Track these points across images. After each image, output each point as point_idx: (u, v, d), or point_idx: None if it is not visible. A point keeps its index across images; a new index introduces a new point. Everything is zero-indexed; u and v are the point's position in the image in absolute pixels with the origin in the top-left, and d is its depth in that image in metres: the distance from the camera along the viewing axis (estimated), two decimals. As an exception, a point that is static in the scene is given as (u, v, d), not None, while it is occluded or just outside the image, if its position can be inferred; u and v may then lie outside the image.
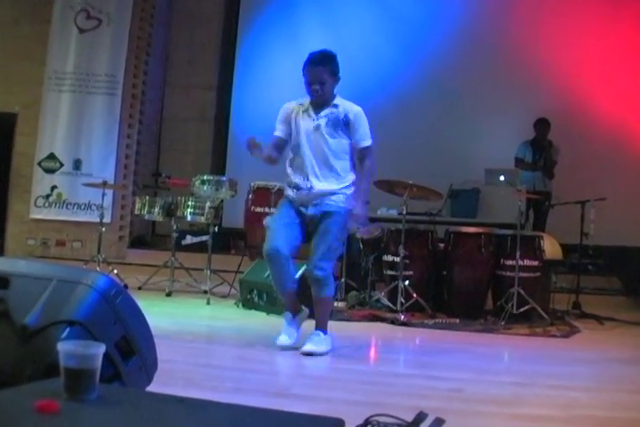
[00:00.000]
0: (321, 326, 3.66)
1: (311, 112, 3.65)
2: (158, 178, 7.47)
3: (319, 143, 3.60)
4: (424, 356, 3.87)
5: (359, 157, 3.69)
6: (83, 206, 7.74)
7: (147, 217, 6.14)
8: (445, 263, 5.30)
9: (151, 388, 2.02)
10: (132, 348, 1.94)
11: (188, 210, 5.88)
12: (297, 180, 3.63)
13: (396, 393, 2.83)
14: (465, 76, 7.70)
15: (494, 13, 7.82)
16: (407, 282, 5.00)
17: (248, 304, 5.22)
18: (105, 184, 6.14)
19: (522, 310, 4.82)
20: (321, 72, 3.55)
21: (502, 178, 5.61)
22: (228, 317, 4.93)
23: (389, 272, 5.31)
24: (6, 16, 7.92)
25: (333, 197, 3.60)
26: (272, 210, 5.07)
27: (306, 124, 3.64)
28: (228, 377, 3.06)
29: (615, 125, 7.34)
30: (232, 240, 7.70)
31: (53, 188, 7.80)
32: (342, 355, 3.63)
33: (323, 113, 3.62)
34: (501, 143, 7.41)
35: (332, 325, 3.84)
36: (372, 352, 4.11)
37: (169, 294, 5.68)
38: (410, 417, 2.06)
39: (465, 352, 3.93)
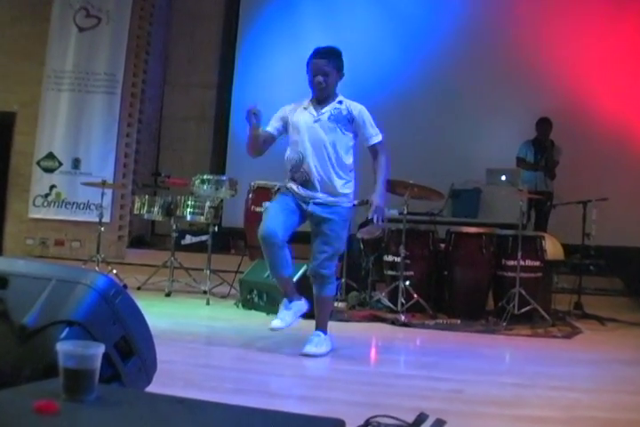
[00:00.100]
0: (321, 327, 3.64)
1: (311, 109, 3.60)
2: (158, 177, 7.47)
3: (320, 138, 3.55)
4: (425, 357, 3.86)
5: (373, 154, 3.64)
6: (82, 206, 7.73)
7: (146, 217, 6.12)
8: (446, 264, 5.28)
9: (150, 388, 2.02)
10: (131, 348, 1.94)
11: (188, 209, 5.86)
12: (298, 176, 3.58)
13: (397, 394, 2.82)
14: (466, 75, 7.69)
15: (496, 12, 7.82)
16: (408, 282, 4.98)
17: (248, 304, 5.20)
18: (104, 183, 6.13)
19: (523, 310, 4.79)
20: (325, 64, 3.51)
21: (504, 178, 5.60)
22: (227, 317, 4.92)
23: (390, 272, 5.29)
24: (5, 15, 7.90)
25: (336, 196, 3.57)
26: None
27: (305, 118, 3.58)
28: (228, 378, 3.05)
29: (617, 125, 7.33)
30: (232, 240, 7.70)
31: (52, 187, 7.79)
32: (342, 356, 3.62)
33: (325, 109, 3.57)
34: (503, 143, 7.39)
35: (332, 325, 3.82)
36: (373, 353, 4.10)
37: (168, 295, 5.66)
38: (410, 418, 2.05)
39: (466, 353, 3.92)
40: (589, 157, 7.29)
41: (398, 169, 6.15)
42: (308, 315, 3.81)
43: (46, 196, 7.79)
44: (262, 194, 5.67)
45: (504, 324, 4.72)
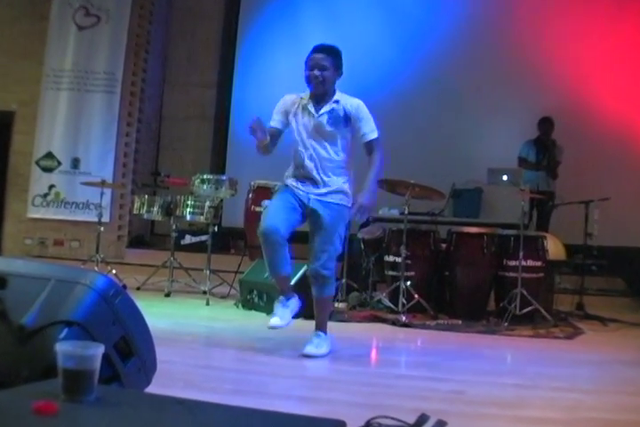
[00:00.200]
0: (321, 327, 3.62)
1: (311, 108, 3.55)
2: (157, 177, 7.46)
3: (320, 140, 3.52)
4: (426, 357, 3.84)
5: (368, 150, 3.58)
6: (81, 205, 7.71)
7: (145, 216, 6.11)
8: (447, 264, 5.26)
9: (150, 389, 2.02)
10: (130, 349, 1.94)
11: (188, 209, 5.85)
12: (298, 174, 3.57)
13: (398, 395, 2.81)
14: (467, 74, 7.68)
15: (497, 11, 7.81)
16: (409, 283, 4.97)
17: (248, 305, 5.19)
18: (103, 183, 6.12)
19: (525, 311, 4.78)
20: (323, 59, 3.47)
21: (505, 178, 5.59)
22: (227, 317, 4.91)
23: (391, 273, 5.27)
24: (4, 13, 7.89)
25: (335, 196, 3.54)
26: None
27: (305, 120, 3.55)
28: (228, 379, 3.04)
29: (619, 125, 7.31)
30: (232, 240, 7.69)
31: (51, 187, 7.77)
32: (343, 356, 3.61)
33: (323, 109, 3.53)
34: (504, 142, 7.37)
35: (332, 326, 3.82)
36: (373, 354, 4.09)
37: (168, 295, 5.65)
38: (411, 419, 2.05)
39: (467, 354, 3.91)
40: (591, 156, 7.27)
41: (399, 169, 6.15)
42: (307, 315, 3.80)
43: (45, 195, 7.78)
44: (262, 194, 5.66)
45: (505, 324, 4.70)
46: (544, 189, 6.76)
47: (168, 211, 5.91)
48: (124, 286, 5.29)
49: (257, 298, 5.08)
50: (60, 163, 7.78)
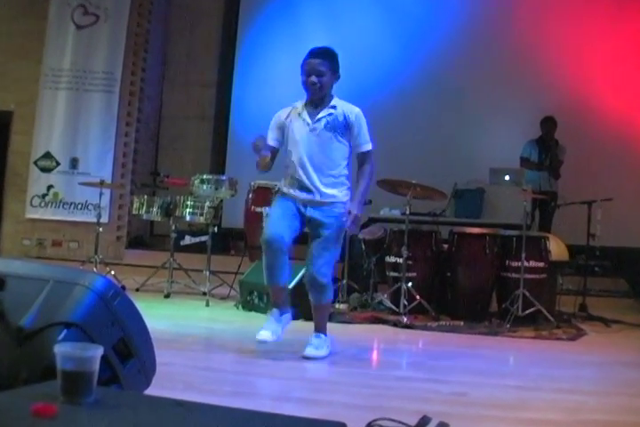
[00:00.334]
0: (321, 329, 3.60)
1: (306, 115, 3.49)
2: (157, 177, 7.44)
3: (316, 148, 3.46)
4: (427, 359, 3.82)
5: (360, 161, 3.57)
6: (79, 206, 7.69)
7: (145, 217, 6.08)
8: (449, 265, 5.24)
9: (150, 391, 2.02)
10: (130, 350, 1.94)
11: (187, 210, 5.83)
12: (294, 184, 3.51)
13: (399, 397, 2.80)
14: (469, 73, 7.66)
15: (498, 10, 7.79)
16: (410, 284, 4.95)
17: (248, 306, 5.16)
18: (102, 183, 6.11)
19: (527, 312, 4.76)
20: (320, 64, 3.42)
21: (507, 178, 5.57)
22: (227, 319, 4.89)
23: (392, 274, 5.26)
24: (2, 13, 7.87)
25: (333, 204, 3.50)
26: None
27: (301, 127, 3.49)
28: (228, 380, 3.03)
29: (622, 124, 7.30)
30: (232, 241, 7.69)
31: (50, 187, 7.75)
32: (344, 358, 3.59)
33: (320, 115, 3.48)
34: (506, 142, 7.36)
35: (333, 327, 3.81)
36: (375, 355, 4.08)
37: (167, 296, 5.63)
38: (413, 421, 2.02)
39: (469, 355, 3.90)
40: (594, 156, 7.26)
41: (400, 168, 6.14)
42: (307, 317, 3.81)
43: (44, 196, 7.75)
44: (263, 194, 5.64)
45: (508, 326, 4.68)
46: (546, 189, 6.76)
47: (167, 211, 5.89)
48: (123, 287, 5.25)
49: (257, 299, 5.06)
50: (58, 163, 7.75)
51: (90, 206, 7.52)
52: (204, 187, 5.55)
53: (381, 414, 2.10)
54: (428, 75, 7.75)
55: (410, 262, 4.97)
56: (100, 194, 6.09)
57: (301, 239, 3.74)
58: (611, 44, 7.40)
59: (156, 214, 5.94)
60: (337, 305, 5.07)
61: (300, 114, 3.51)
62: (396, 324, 4.70)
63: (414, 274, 5.07)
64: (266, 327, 3.46)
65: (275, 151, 3.57)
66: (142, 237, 8.30)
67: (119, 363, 1.89)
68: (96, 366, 1.46)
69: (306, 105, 3.52)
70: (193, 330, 4.36)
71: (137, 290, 5.75)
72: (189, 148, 8.46)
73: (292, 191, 3.52)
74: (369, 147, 3.54)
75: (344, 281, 5.32)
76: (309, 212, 3.48)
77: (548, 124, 6.90)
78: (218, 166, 8.38)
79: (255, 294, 5.08)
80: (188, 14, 8.50)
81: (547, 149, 6.92)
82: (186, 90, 8.47)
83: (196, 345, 3.84)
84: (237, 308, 5.25)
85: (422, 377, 3.24)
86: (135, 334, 1.96)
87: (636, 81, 7.39)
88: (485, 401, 2.78)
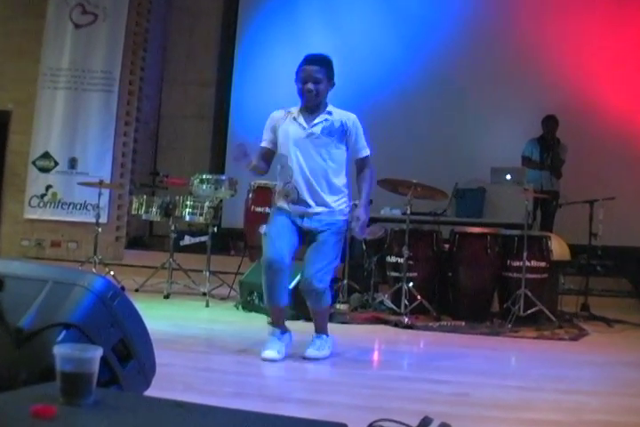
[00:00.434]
0: (322, 331, 3.59)
1: (302, 120, 3.47)
2: (156, 177, 7.43)
3: (312, 154, 3.43)
4: (429, 359, 3.81)
5: (359, 167, 3.57)
6: (78, 206, 7.67)
7: (144, 217, 6.06)
8: (450, 264, 5.23)
9: (149, 392, 2.02)
10: (129, 351, 1.95)
11: (187, 210, 5.82)
12: (289, 193, 3.47)
13: (400, 397, 2.79)
14: (470, 72, 7.65)
15: (500, 9, 7.78)
16: (411, 284, 4.94)
17: (248, 307, 5.14)
18: (101, 183, 6.10)
19: (529, 312, 4.75)
20: (317, 71, 3.40)
21: (509, 177, 5.56)
22: (227, 319, 4.88)
23: (393, 274, 5.24)
24: (0, 12, 7.82)
25: (329, 212, 3.47)
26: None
27: (295, 132, 3.46)
28: (228, 381, 3.01)
29: (624, 123, 7.29)
30: (231, 241, 7.67)
31: (48, 187, 7.73)
32: (345, 358, 3.58)
33: (316, 120, 3.45)
34: (508, 141, 7.36)
35: (333, 327, 3.80)
36: (376, 356, 4.07)
37: (167, 297, 5.61)
38: (414, 422, 2.02)
39: (470, 356, 3.89)
40: (596, 155, 7.25)
41: (401, 168, 6.13)
42: (309, 318, 3.78)
43: (42, 196, 7.73)
44: (262, 194, 5.62)
45: (509, 326, 4.67)
46: (548, 188, 6.76)
47: (167, 211, 5.87)
48: (123, 288, 5.24)
49: (257, 300, 5.03)
50: (57, 163, 7.74)
51: (89, 206, 7.51)
52: (204, 187, 5.52)
53: (382, 414, 2.09)
54: (429, 74, 7.74)
55: (411, 262, 4.96)
56: (99, 194, 6.08)
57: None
58: (612, 43, 7.39)
59: (155, 214, 5.92)
60: (337, 305, 5.06)
61: (295, 118, 3.48)
62: (397, 324, 4.69)
63: (415, 274, 5.06)
64: (270, 347, 3.43)
65: (269, 152, 3.54)
66: (142, 238, 8.29)
67: (119, 364, 1.89)
68: (95, 368, 1.46)
69: (301, 111, 3.50)
70: (193, 331, 4.34)
71: (136, 291, 5.74)
72: (189, 147, 8.45)
73: (285, 206, 3.49)
74: (367, 152, 3.55)
75: (345, 281, 5.30)
76: (306, 223, 3.46)
77: (550, 122, 6.88)
78: (217, 166, 8.36)
79: (255, 294, 5.05)
80: (188, 13, 8.49)
81: (548, 147, 6.90)
82: (185, 89, 8.46)
83: (195, 346, 3.82)
84: (237, 308, 5.24)
85: (423, 378, 3.23)
86: (135, 334, 1.96)
87: (637, 80, 7.39)
88: (487, 402, 2.77)
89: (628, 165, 7.23)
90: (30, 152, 7.74)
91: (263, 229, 3.55)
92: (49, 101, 7.72)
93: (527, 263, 4.86)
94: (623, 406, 2.79)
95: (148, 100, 8.25)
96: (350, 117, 3.50)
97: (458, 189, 6.96)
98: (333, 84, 3.49)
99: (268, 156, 3.55)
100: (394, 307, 4.95)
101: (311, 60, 3.44)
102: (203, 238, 6.56)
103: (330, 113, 3.48)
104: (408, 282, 4.89)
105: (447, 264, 5.24)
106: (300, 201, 3.45)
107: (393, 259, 5.23)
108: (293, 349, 3.56)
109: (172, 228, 5.95)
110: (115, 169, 7.75)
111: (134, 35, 7.83)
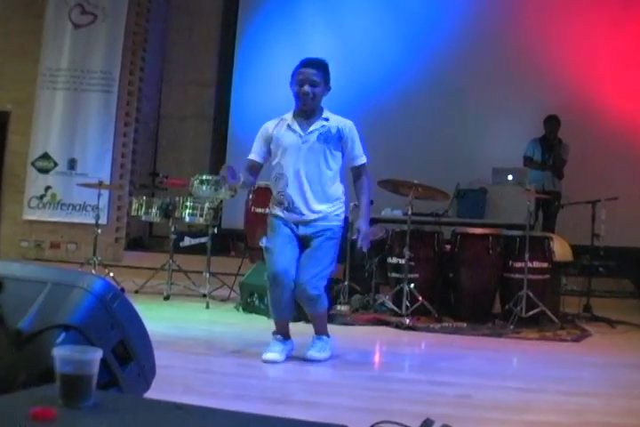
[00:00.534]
0: (322, 332, 3.58)
1: (297, 126, 3.44)
2: (156, 178, 7.42)
3: (308, 161, 3.41)
4: (430, 361, 3.80)
5: (356, 175, 3.55)
6: (78, 207, 7.66)
7: (144, 218, 6.05)
8: (452, 265, 5.22)
9: (149, 394, 2.03)
10: (129, 353, 1.95)
11: (187, 211, 5.80)
12: (284, 201, 3.46)
13: (402, 399, 2.79)
14: (471, 72, 7.63)
15: (501, 9, 7.77)
16: (412, 285, 4.93)
17: (248, 308, 5.13)
18: (100, 184, 6.09)
19: (531, 313, 4.74)
20: (314, 74, 3.37)
21: (510, 177, 5.56)
22: (227, 321, 4.88)
23: (394, 275, 5.23)
24: (-1, 12, 7.83)
25: (324, 218, 3.45)
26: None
27: (290, 139, 3.43)
28: (228, 383, 3.01)
29: (626, 123, 7.28)
30: (232, 242, 7.67)
31: (47, 188, 7.71)
32: (346, 360, 3.58)
33: (312, 127, 3.42)
34: (509, 141, 7.34)
35: (334, 329, 3.80)
36: (377, 357, 4.06)
37: (167, 298, 5.60)
38: (416, 424, 2.02)
39: (472, 357, 3.88)
40: (598, 155, 7.24)
41: (402, 168, 6.11)
42: (308, 320, 3.77)
43: (41, 197, 7.72)
44: (263, 195, 5.57)
45: (511, 327, 4.66)
46: (550, 188, 6.75)
47: (167, 212, 5.85)
48: (122, 290, 5.25)
49: (258, 301, 5.03)
50: (56, 164, 7.72)
51: (88, 208, 7.50)
52: (204, 187, 5.49)
53: (384, 416, 2.08)
54: (430, 74, 7.72)
55: (412, 263, 4.94)
56: (99, 195, 6.08)
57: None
58: (615, 43, 7.38)
59: (155, 215, 5.90)
60: (338, 307, 5.05)
61: (290, 125, 3.45)
62: (398, 325, 4.68)
63: (416, 275, 5.05)
64: (272, 349, 3.43)
65: (257, 166, 3.53)
66: (141, 239, 8.27)
67: (118, 366, 1.89)
68: (95, 370, 1.45)
69: (295, 116, 3.47)
70: (193, 332, 4.32)
71: (136, 292, 5.73)
72: (188, 148, 8.43)
73: (280, 213, 3.48)
74: (363, 160, 3.52)
75: (345, 283, 5.28)
76: (302, 230, 3.44)
77: (552, 122, 6.86)
78: (217, 167, 8.27)
79: (256, 295, 5.05)
80: (187, 13, 8.48)
81: (550, 148, 6.89)
82: (185, 89, 8.44)
83: (196, 348, 3.80)
84: (238, 310, 5.22)
85: (425, 379, 3.23)
86: (134, 336, 1.96)
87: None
88: (489, 403, 2.76)
89: (630, 164, 7.22)
90: (29, 153, 7.73)
91: (263, 241, 3.54)
92: (48, 102, 7.70)
93: (529, 264, 4.85)
94: (625, 408, 2.78)
95: (148, 101, 8.23)
96: (347, 124, 3.47)
97: (459, 189, 6.92)
98: (329, 89, 3.47)
99: (255, 169, 3.54)
100: (395, 308, 4.94)
101: (308, 63, 3.42)
102: (203, 239, 6.56)
103: (326, 119, 3.45)
104: (409, 283, 4.88)
105: (449, 265, 5.23)
106: (294, 209, 3.43)
107: (394, 260, 5.21)
108: (294, 350, 3.55)
109: (172, 229, 5.94)
110: (114, 170, 7.73)
111: (134, 35, 7.81)
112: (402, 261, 4.98)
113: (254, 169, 3.53)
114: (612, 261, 6.14)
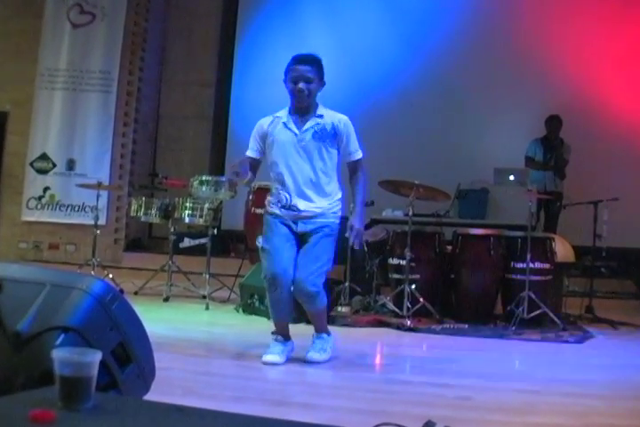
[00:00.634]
0: (322, 330, 3.56)
1: (292, 124, 3.42)
2: (155, 178, 7.38)
3: (304, 159, 3.39)
4: (431, 362, 3.78)
5: (352, 170, 3.52)
6: (76, 208, 7.65)
7: (143, 219, 6.04)
8: (453, 266, 5.21)
9: (149, 396, 2.02)
10: (128, 355, 1.94)
11: (186, 211, 5.80)
12: (281, 199, 3.44)
13: (403, 401, 2.78)
14: (472, 72, 7.63)
15: (502, 9, 7.78)
16: (413, 286, 4.91)
17: (248, 309, 5.11)
18: (99, 185, 6.08)
19: (533, 314, 4.72)
20: (308, 71, 3.35)
21: (512, 178, 5.55)
22: (227, 322, 4.87)
23: (395, 276, 5.21)
24: (-3, 11, 7.82)
25: (322, 215, 3.43)
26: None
27: (286, 137, 3.42)
28: (228, 385, 3.01)
29: (628, 123, 7.29)
30: (232, 243, 7.68)
31: (46, 189, 7.70)
32: (346, 362, 3.56)
33: (307, 125, 3.41)
34: (511, 142, 7.33)
35: (335, 330, 3.78)
36: (378, 359, 4.05)
37: (166, 299, 5.59)
38: (417, 426, 1.99)
39: (474, 359, 3.87)
40: (600, 155, 7.23)
41: (403, 169, 6.09)
42: (309, 321, 3.74)
43: (40, 198, 7.71)
44: (263, 195, 5.49)
45: (513, 328, 4.65)
46: (552, 189, 6.74)
47: (166, 213, 5.85)
48: (122, 291, 5.25)
49: (258, 302, 5.01)
50: (54, 164, 7.71)
51: (87, 208, 7.49)
52: (204, 188, 5.45)
53: (385, 418, 2.08)
54: (430, 74, 7.72)
55: (413, 264, 4.92)
56: (98, 196, 6.08)
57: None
58: (616, 43, 7.38)
59: (154, 216, 5.89)
60: (339, 308, 5.05)
61: (285, 124, 3.43)
62: (399, 327, 4.67)
63: (418, 276, 5.03)
64: (272, 351, 3.42)
65: (255, 163, 3.52)
66: (140, 240, 8.26)
67: (118, 368, 1.89)
68: (95, 372, 1.45)
69: (290, 114, 3.45)
70: (192, 334, 4.32)
71: (135, 293, 5.73)
72: (188, 148, 8.43)
73: (277, 211, 3.46)
74: (359, 155, 3.50)
75: (346, 284, 5.27)
76: (300, 227, 3.42)
77: (553, 122, 6.86)
78: (217, 167, 8.33)
79: (256, 296, 5.03)
80: (187, 13, 8.48)
81: (552, 148, 6.89)
82: (184, 89, 8.43)
83: (195, 349, 3.79)
84: (238, 311, 5.21)
85: (426, 381, 3.21)
86: (134, 338, 1.96)
87: (641, 79, 7.39)
88: (491, 405, 2.75)
89: (632, 165, 7.21)
90: (28, 153, 7.72)
91: (260, 241, 3.51)
92: (47, 102, 7.70)
93: (531, 265, 4.83)
94: (629, 410, 2.77)
95: (147, 101, 8.22)
96: (342, 119, 3.45)
97: (460, 189, 6.94)
98: (324, 84, 3.45)
99: (254, 165, 3.52)
100: (396, 309, 4.93)
101: (301, 59, 3.40)
102: (202, 240, 6.57)
103: (321, 116, 3.43)
104: (410, 284, 4.86)
105: (450, 266, 5.22)
106: (291, 206, 3.42)
107: (395, 261, 5.20)
108: (295, 352, 3.54)
109: (172, 230, 5.93)
110: (113, 170, 7.73)
111: (133, 35, 7.81)
112: (403, 262, 4.96)
113: (252, 165, 3.51)
114: (614, 261, 6.15)
